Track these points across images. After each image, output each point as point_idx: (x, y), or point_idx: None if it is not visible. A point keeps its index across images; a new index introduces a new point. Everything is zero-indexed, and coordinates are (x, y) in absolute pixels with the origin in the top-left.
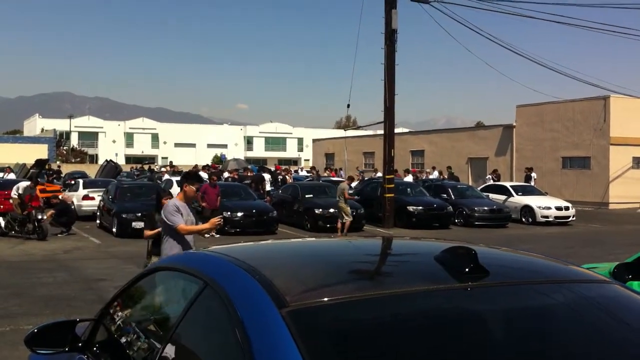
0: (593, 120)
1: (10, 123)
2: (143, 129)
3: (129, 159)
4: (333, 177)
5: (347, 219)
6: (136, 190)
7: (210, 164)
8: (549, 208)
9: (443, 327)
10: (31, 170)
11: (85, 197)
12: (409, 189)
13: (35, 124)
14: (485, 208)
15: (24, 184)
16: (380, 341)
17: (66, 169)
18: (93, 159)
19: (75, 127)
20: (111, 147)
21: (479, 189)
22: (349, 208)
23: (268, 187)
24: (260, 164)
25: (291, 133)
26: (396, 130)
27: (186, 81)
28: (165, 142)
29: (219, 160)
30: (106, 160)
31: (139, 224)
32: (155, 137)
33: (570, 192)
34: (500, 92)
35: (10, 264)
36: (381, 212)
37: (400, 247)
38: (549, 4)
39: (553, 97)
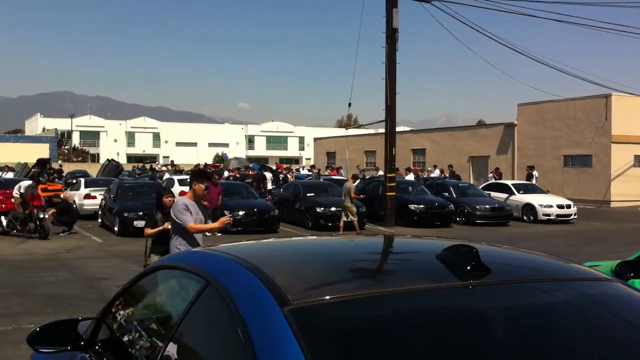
0: (594, 119)
1: (11, 122)
2: (144, 128)
3: (131, 158)
4: (334, 175)
5: (354, 219)
6: (137, 189)
7: (207, 163)
8: (551, 206)
9: (445, 325)
10: (33, 170)
11: (87, 196)
12: (410, 188)
13: (37, 124)
14: (487, 206)
15: (26, 183)
16: (382, 339)
17: (68, 168)
18: (94, 158)
19: (77, 126)
20: (112, 147)
21: (480, 187)
22: (354, 207)
23: (269, 186)
24: (261, 162)
25: (292, 132)
26: (397, 129)
27: (187, 80)
28: (166, 141)
29: (221, 159)
30: (107, 160)
31: (140, 223)
32: (156, 136)
33: (572, 190)
34: (502, 90)
35: (12, 263)
36: (383, 211)
37: (401, 245)
38: (550, 2)
39: (554, 96)
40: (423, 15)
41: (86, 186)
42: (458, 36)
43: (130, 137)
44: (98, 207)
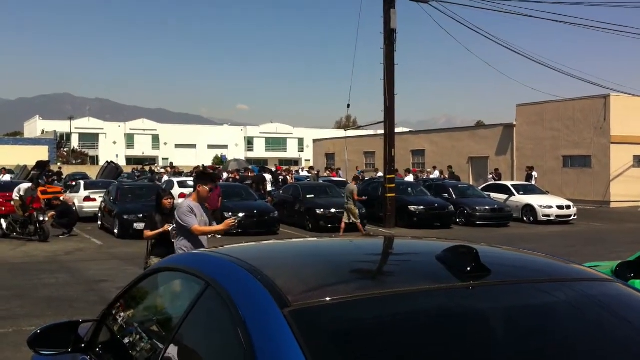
0: (593, 119)
1: (10, 125)
2: (143, 130)
3: (130, 160)
4: (333, 177)
5: (356, 221)
6: (137, 192)
7: (204, 165)
8: (550, 207)
9: (445, 326)
10: (32, 172)
11: (87, 199)
12: (410, 189)
13: (36, 126)
14: (487, 207)
15: (26, 185)
16: (382, 340)
17: (67, 170)
18: (94, 160)
19: (76, 128)
20: (112, 149)
21: (480, 188)
22: (357, 210)
23: (269, 188)
24: (261, 164)
25: (292, 133)
26: (396, 130)
27: (186, 82)
28: (165, 143)
29: (220, 161)
30: (107, 162)
31: (140, 225)
32: (155, 138)
33: (572, 191)
34: (500, 91)
35: (12, 266)
36: (382, 212)
37: (401, 246)
38: (547, 2)
39: (553, 96)
40: (421, 16)
41: (86, 188)
42: (456, 36)
43: (130, 139)
44: (98, 209)
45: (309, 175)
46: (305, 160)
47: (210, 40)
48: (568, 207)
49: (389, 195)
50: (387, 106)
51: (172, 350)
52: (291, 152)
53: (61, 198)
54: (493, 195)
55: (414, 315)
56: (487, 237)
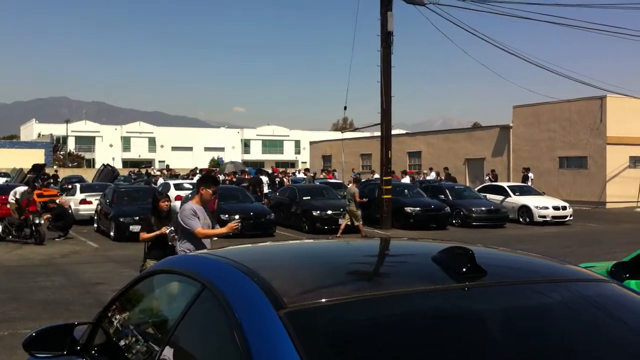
0: (589, 120)
1: (7, 128)
2: (140, 133)
3: (126, 163)
4: (329, 179)
5: (358, 223)
6: (133, 194)
7: (197, 167)
8: (547, 208)
9: (441, 327)
10: (28, 175)
11: (83, 201)
12: (406, 190)
13: (32, 129)
14: (483, 208)
15: (22, 188)
16: (378, 342)
17: (63, 173)
18: (90, 163)
19: (72, 131)
20: (108, 152)
21: (476, 189)
22: (359, 212)
23: (266, 190)
24: (257, 166)
25: (288, 136)
26: (393, 132)
27: (182, 84)
28: (162, 146)
29: (216, 163)
30: (103, 165)
31: (136, 228)
32: (152, 141)
33: (568, 191)
34: (497, 93)
35: (8, 269)
36: (379, 214)
37: (397, 247)
38: (544, 4)
39: (549, 97)
40: (418, 19)
41: (82, 191)
42: (453, 39)
43: (126, 142)
44: (94, 212)
45: (305, 177)
46: (302, 163)
47: (207, 43)
48: (564, 208)
49: (385, 196)
50: (384, 108)
51: (168, 353)
52: (288, 154)
53: (57, 201)
54: (489, 196)
55: (409, 316)
56: (483, 238)
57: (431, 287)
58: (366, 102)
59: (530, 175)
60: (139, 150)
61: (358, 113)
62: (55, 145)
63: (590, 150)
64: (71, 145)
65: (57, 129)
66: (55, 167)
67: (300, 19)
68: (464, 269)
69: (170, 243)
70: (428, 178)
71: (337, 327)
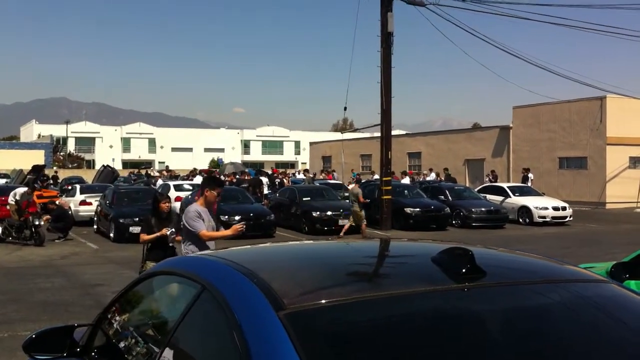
0: (589, 121)
1: (6, 129)
2: (140, 133)
3: (126, 164)
4: (329, 179)
5: (361, 223)
6: (133, 195)
7: (195, 168)
8: (546, 208)
9: (440, 328)
10: (28, 176)
11: (83, 203)
12: (406, 191)
13: (32, 130)
14: (483, 209)
15: (21, 190)
16: (378, 343)
17: (63, 174)
18: (90, 164)
19: (72, 132)
20: (108, 152)
21: (476, 190)
22: (363, 212)
23: (266, 191)
24: (257, 167)
25: (288, 136)
26: (393, 133)
27: (182, 85)
28: (162, 147)
29: (216, 164)
30: (103, 166)
31: (136, 229)
32: (152, 142)
33: (567, 192)
34: (497, 93)
35: (7, 270)
36: (379, 214)
37: (397, 248)
38: (544, 5)
39: (548, 98)
40: (418, 19)
41: (82, 192)
42: (453, 39)
43: (126, 143)
44: (94, 213)
45: (304, 178)
46: (302, 163)
47: (207, 43)
48: (564, 209)
49: (385, 197)
50: (384, 109)
51: (168, 354)
52: (288, 155)
53: (57, 202)
54: (489, 197)
55: (409, 317)
56: (483, 239)
57: (431, 288)
58: (366, 103)
59: (530, 175)
60: (139, 151)
61: (358, 114)
62: (55, 146)
63: (590, 150)
64: (71, 146)
65: (57, 130)
66: (55, 168)
67: (300, 19)
68: (464, 270)
69: (170, 244)
70: (428, 179)
71: (336, 328)
